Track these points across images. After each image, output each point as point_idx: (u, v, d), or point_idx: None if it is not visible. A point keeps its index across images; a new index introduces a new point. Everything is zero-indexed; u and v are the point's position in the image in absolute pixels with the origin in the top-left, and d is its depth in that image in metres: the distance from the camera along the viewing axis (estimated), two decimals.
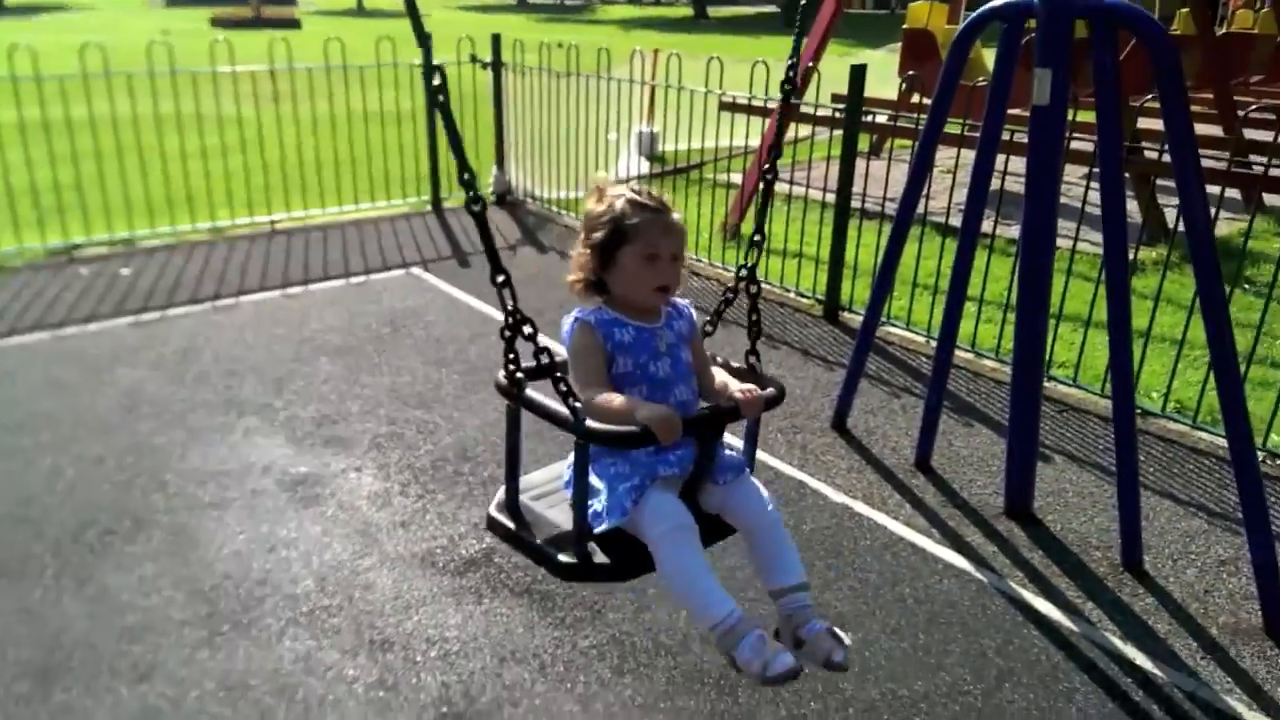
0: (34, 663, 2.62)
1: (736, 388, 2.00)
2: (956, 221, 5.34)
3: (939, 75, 3.21)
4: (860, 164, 5.31)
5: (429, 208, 7.59)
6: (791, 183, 6.55)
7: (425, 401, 4.23)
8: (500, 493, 2.17)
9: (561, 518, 2.06)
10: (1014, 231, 6.36)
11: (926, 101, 4.74)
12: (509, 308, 1.86)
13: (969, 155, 4.76)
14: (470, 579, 3.01)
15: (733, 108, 6.69)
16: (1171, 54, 2.41)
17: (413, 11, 1.89)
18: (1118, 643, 2.75)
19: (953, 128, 5.43)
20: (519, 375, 1.96)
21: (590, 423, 1.83)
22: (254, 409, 4.13)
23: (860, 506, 3.46)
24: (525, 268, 6.16)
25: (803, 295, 5.71)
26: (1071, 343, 4.73)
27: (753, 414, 1.99)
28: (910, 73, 5.51)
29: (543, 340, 1.89)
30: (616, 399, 1.89)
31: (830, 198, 5.45)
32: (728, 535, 2.08)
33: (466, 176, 1.84)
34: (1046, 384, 4.07)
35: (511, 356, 1.93)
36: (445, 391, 4.33)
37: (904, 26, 10.07)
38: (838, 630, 1.93)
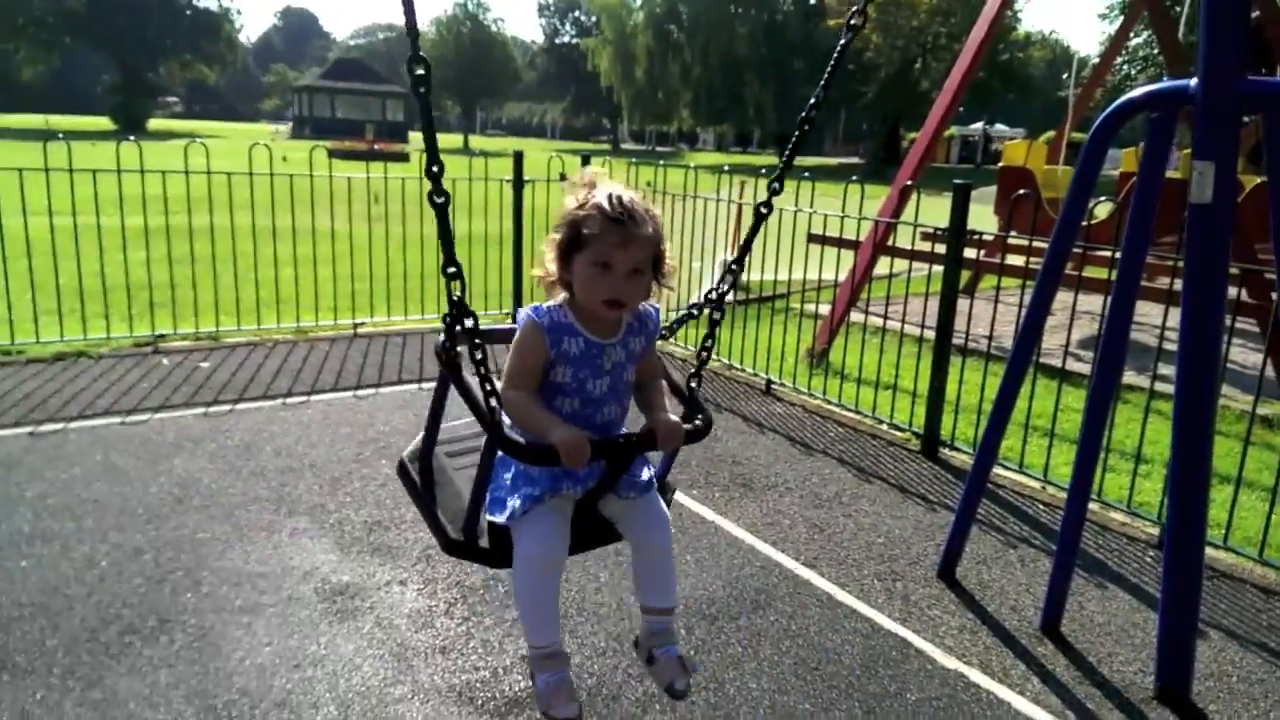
0: None
1: (662, 419, 1.94)
2: (1071, 365, 5.03)
3: (1067, 194, 2.88)
4: (966, 305, 4.98)
5: (509, 321, 7.47)
6: (886, 317, 6.25)
7: None
8: (417, 440, 2.20)
9: (468, 486, 2.05)
10: (1129, 377, 5.88)
11: (1024, 241, 4.50)
12: (454, 298, 1.87)
13: (1080, 299, 4.46)
14: None
15: (821, 240, 6.54)
16: None
17: (430, 138, 1.87)
18: None
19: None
20: (457, 349, 1.98)
21: (505, 425, 1.86)
22: (305, 508, 3.86)
23: (977, 675, 2.92)
24: None
25: (896, 428, 5.27)
26: (1214, 501, 4.15)
27: (669, 448, 1.97)
28: (1022, 191, 5.19)
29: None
30: (536, 409, 1.88)
31: (920, 332, 5.11)
32: (615, 542, 2.11)
33: (435, 169, 1.83)
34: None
35: (447, 337, 1.97)
36: None
37: (999, 165, 9.88)
38: (688, 661, 2.11)
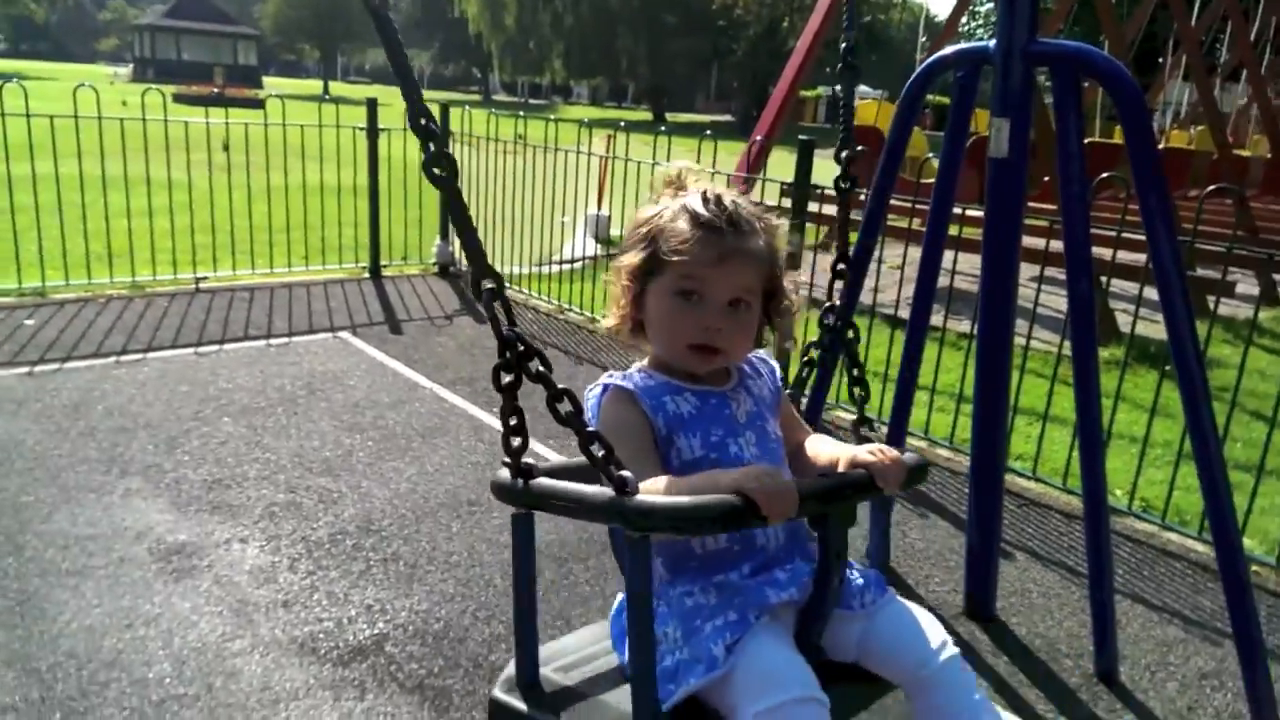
0: None
1: (863, 450, 1.36)
2: (904, 314, 5.32)
3: (881, 152, 3.04)
4: (810, 256, 5.20)
5: (366, 274, 7.30)
6: None
7: (332, 468, 3.83)
8: (509, 667, 1.47)
9: (611, 696, 1.39)
10: (964, 326, 6.28)
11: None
12: (505, 331, 1.23)
13: (915, 253, 4.76)
14: (355, 670, 2.59)
15: None
16: (1142, 107, 2.25)
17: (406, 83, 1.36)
18: None
19: (900, 222, 5.45)
20: (527, 461, 1.31)
21: (647, 498, 1.20)
22: (139, 468, 3.70)
23: None
24: (460, 337, 5.89)
25: None
26: (1028, 435, 4.54)
27: (895, 485, 1.33)
28: (860, 147, 5.41)
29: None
30: (683, 480, 1.29)
31: None
32: (880, 694, 1.41)
33: (424, 121, 1.32)
34: (1005, 477, 3.84)
35: (514, 422, 1.29)
36: (356, 459, 3.95)
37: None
38: None
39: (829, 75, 49.39)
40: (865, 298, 3.65)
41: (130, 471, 3.67)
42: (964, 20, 13.81)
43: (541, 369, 1.25)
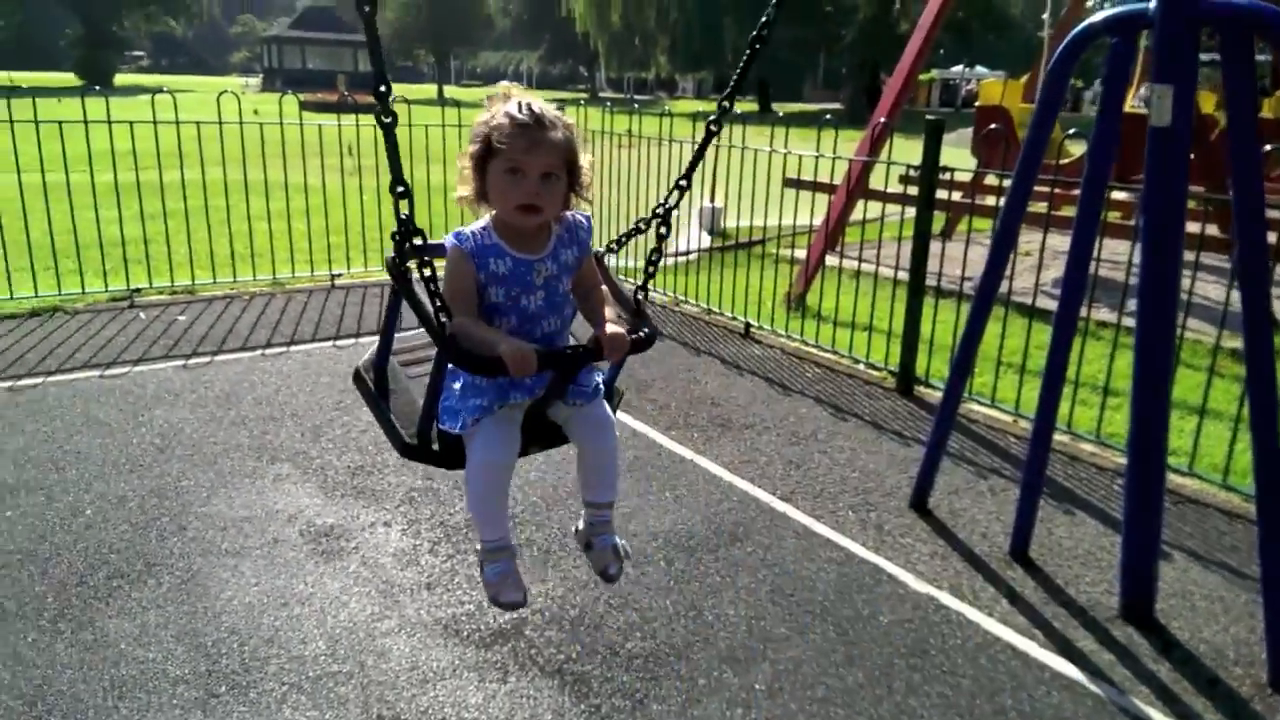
0: (11, 713, 2.34)
1: (608, 324, 1.92)
2: (1041, 303, 5.09)
3: (1028, 130, 2.90)
4: (932, 246, 5.00)
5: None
6: (860, 259, 6.28)
7: None
8: (372, 349, 2.25)
9: (421, 394, 2.07)
10: (1103, 314, 5.96)
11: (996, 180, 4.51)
12: (402, 216, 1.81)
13: (1051, 240, 4.53)
14: (496, 653, 2.65)
15: (797, 184, 6.53)
16: None
17: (376, 56, 1.70)
18: None
19: (1036, 206, 5.21)
20: (407, 264, 1.93)
21: (454, 337, 1.80)
22: (287, 455, 3.89)
23: (947, 598, 3.02)
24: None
25: (874, 367, 5.34)
26: (1182, 430, 4.26)
27: (615, 358, 1.92)
28: (992, 126, 5.21)
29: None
30: (480, 329, 1.86)
31: (895, 274, 5.15)
32: (562, 444, 2.15)
33: (383, 89, 1.71)
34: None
35: (396, 252, 1.92)
36: None
37: (976, 105, 9.86)
38: (623, 550, 2.19)
39: (943, 58, 47.74)
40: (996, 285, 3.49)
41: (280, 458, 3.86)
42: None
43: (419, 243, 1.78)
